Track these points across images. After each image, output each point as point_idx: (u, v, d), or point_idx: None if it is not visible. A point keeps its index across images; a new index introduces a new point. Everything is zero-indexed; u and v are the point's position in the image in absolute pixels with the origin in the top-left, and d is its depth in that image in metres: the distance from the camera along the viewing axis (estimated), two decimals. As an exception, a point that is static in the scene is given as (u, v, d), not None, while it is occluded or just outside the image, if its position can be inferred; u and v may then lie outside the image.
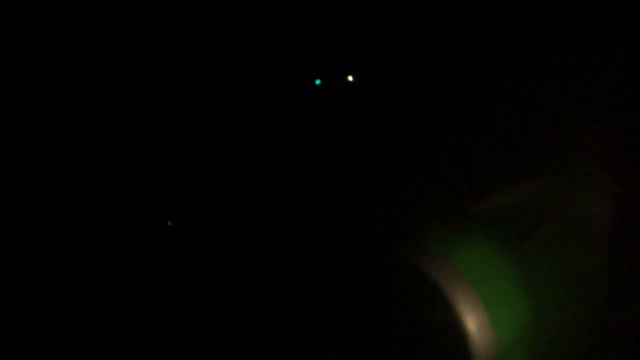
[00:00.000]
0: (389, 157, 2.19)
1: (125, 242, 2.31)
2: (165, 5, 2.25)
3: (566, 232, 1.93)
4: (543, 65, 1.94)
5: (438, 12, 2.12)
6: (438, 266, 1.78)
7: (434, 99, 2.13)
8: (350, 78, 2.30)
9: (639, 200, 1.76)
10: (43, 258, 2.26)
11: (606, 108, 1.85)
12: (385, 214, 2.13)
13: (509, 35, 2.01)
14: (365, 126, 2.26)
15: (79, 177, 2.30)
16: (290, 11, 2.28)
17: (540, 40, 1.94)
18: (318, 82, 2.32)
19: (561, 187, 1.95)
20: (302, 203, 2.29)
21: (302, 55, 2.31)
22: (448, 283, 1.76)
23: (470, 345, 1.74)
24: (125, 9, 2.24)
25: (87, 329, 2.25)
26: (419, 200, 2.08)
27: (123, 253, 2.30)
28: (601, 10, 1.83)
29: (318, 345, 2.10)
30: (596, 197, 1.90)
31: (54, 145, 2.27)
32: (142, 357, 2.27)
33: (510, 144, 1.99)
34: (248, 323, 2.27)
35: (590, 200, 1.91)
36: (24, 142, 2.25)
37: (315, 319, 2.13)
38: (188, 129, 2.34)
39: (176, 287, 2.30)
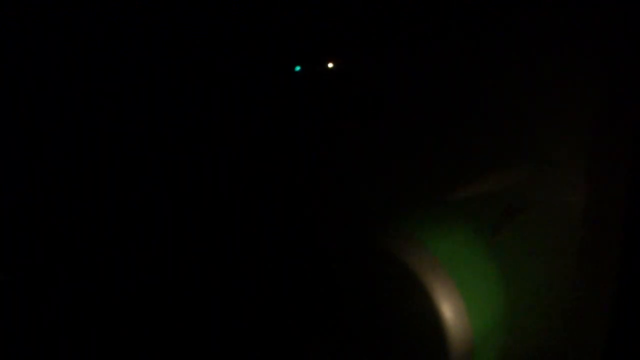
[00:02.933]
0: (368, 145, 2.19)
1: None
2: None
3: (541, 221, 1.95)
4: (519, 56, 1.95)
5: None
6: (415, 254, 1.79)
7: (413, 88, 2.14)
8: (330, 65, 2.29)
9: (611, 189, 1.78)
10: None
11: (580, 98, 1.86)
12: (363, 202, 2.14)
13: (486, 26, 2.02)
14: (344, 114, 2.25)
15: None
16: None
17: (517, 34, 1.95)
18: (298, 68, 2.31)
19: (537, 176, 1.97)
20: (279, 192, 2.28)
21: (282, 41, 2.30)
22: (425, 270, 1.77)
23: (447, 332, 1.75)
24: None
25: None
26: (397, 189, 2.09)
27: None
28: (576, 6, 1.84)
29: (298, 333, 2.11)
30: (571, 186, 1.91)
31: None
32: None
33: (487, 133, 2.00)
34: (227, 319, 2.27)
35: (564, 189, 1.93)
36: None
37: (293, 307, 2.13)
38: (166, 119, 2.32)
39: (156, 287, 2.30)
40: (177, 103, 2.32)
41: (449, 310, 1.76)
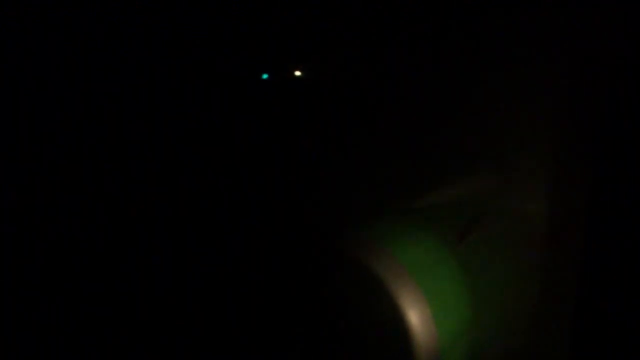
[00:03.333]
0: (333, 153, 2.20)
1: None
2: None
3: (506, 229, 1.97)
4: (482, 63, 1.98)
5: (387, 6, 2.13)
6: (381, 260, 1.79)
7: (379, 96, 2.15)
8: (297, 73, 2.29)
9: (574, 196, 1.81)
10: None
11: (544, 106, 1.89)
12: (328, 210, 2.14)
13: (451, 32, 2.04)
14: (310, 122, 2.26)
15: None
16: (238, 3, 2.26)
17: (481, 39, 1.98)
18: (265, 76, 2.31)
19: (502, 185, 1.99)
20: (245, 200, 2.28)
21: (250, 48, 2.30)
22: (391, 278, 1.78)
23: (412, 339, 1.76)
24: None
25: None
26: (363, 197, 2.10)
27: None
28: (540, 8, 1.87)
29: (262, 337, 2.10)
30: (535, 194, 1.94)
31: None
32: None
33: (453, 142, 2.02)
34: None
35: (529, 197, 1.96)
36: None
37: (259, 316, 2.13)
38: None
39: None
40: (151, 104, 2.31)
41: (415, 317, 1.77)
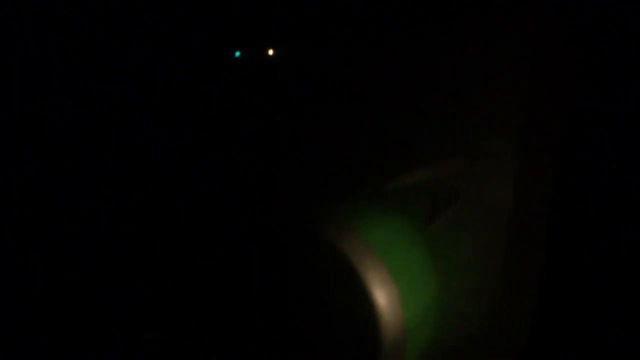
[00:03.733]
0: (304, 134, 2.20)
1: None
2: None
3: (473, 211, 1.99)
4: (451, 49, 1.98)
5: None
6: (349, 241, 1.80)
7: (350, 78, 2.15)
8: (270, 52, 2.28)
9: (542, 181, 1.83)
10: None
11: (511, 89, 1.90)
12: (297, 191, 2.14)
13: (418, 20, 2.04)
14: (282, 102, 2.25)
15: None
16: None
17: (452, 21, 1.98)
18: (237, 54, 2.28)
19: (469, 167, 2.01)
20: (213, 180, 2.27)
21: (222, 25, 2.27)
22: (359, 258, 1.79)
23: (379, 319, 1.78)
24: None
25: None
26: (332, 178, 2.10)
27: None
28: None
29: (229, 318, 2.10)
30: (502, 177, 1.96)
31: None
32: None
33: (422, 124, 2.03)
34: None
35: (496, 180, 1.98)
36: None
37: (225, 293, 2.13)
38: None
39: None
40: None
41: (382, 297, 1.79)
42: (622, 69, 1.53)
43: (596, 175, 1.63)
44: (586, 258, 1.63)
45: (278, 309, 1.93)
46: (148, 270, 2.27)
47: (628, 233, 1.56)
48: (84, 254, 2.26)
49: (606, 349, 1.61)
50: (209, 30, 2.27)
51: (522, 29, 1.84)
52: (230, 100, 2.28)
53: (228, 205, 2.26)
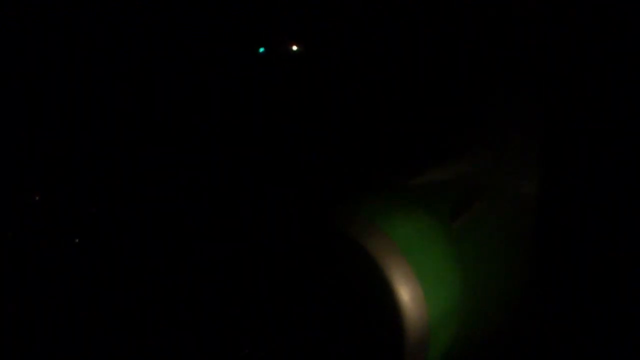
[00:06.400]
0: (329, 128, 2.19)
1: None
2: None
3: (499, 208, 1.97)
4: (476, 42, 1.96)
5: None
6: (373, 237, 1.79)
7: (376, 73, 2.13)
8: (294, 47, 2.27)
9: (568, 178, 1.81)
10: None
11: (539, 87, 1.88)
12: (321, 188, 2.14)
13: (456, 14, 2.02)
14: (307, 96, 2.24)
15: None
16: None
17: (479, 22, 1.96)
18: (262, 50, 2.28)
19: (496, 164, 1.99)
20: (239, 175, 2.27)
21: (246, 21, 2.27)
22: (382, 254, 1.78)
23: (403, 317, 1.77)
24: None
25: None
26: (356, 174, 2.09)
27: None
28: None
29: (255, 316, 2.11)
30: (529, 174, 1.94)
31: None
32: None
33: (447, 120, 2.01)
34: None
35: (523, 176, 1.96)
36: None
37: (251, 290, 2.14)
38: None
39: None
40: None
41: (406, 294, 1.77)
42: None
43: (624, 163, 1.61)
44: (620, 249, 1.61)
45: (302, 306, 1.92)
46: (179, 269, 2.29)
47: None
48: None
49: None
50: (233, 27, 2.27)
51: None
52: (255, 97, 2.29)
53: (252, 203, 2.26)
